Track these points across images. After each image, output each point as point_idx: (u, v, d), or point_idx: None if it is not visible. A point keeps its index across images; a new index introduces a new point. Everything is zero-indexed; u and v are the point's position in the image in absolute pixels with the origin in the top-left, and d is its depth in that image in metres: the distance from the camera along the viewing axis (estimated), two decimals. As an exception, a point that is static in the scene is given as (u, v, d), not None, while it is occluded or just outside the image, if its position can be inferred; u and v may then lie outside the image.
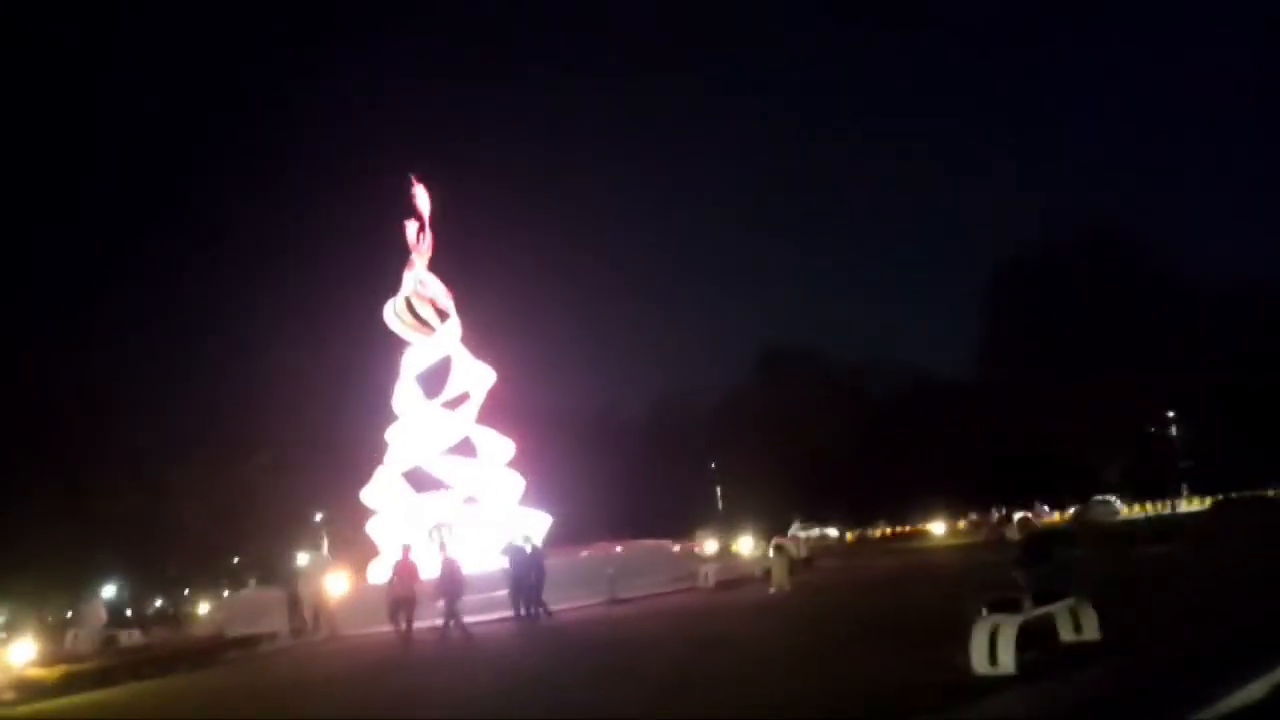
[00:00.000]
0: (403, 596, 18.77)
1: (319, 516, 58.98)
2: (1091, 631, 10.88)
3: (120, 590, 49.45)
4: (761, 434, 67.71)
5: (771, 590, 21.72)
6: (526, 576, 20.54)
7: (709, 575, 24.03)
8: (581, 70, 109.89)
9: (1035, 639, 10.26)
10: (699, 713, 9.20)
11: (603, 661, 13.54)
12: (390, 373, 31.29)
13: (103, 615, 25.53)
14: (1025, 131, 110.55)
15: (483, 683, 12.82)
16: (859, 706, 8.88)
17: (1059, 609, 10.87)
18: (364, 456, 46.93)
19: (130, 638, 24.52)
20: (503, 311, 31.35)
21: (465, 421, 30.04)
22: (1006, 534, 36.95)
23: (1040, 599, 10.73)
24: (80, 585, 43.32)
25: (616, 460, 60.89)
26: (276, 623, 23.32)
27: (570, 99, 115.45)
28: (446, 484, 29.66)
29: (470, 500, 29.47)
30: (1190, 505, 51.89)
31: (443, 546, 20.37)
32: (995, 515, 51.59)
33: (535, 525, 28.77)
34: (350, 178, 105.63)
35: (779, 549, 23.18)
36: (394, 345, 31.16)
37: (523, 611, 20.42)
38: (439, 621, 18.76)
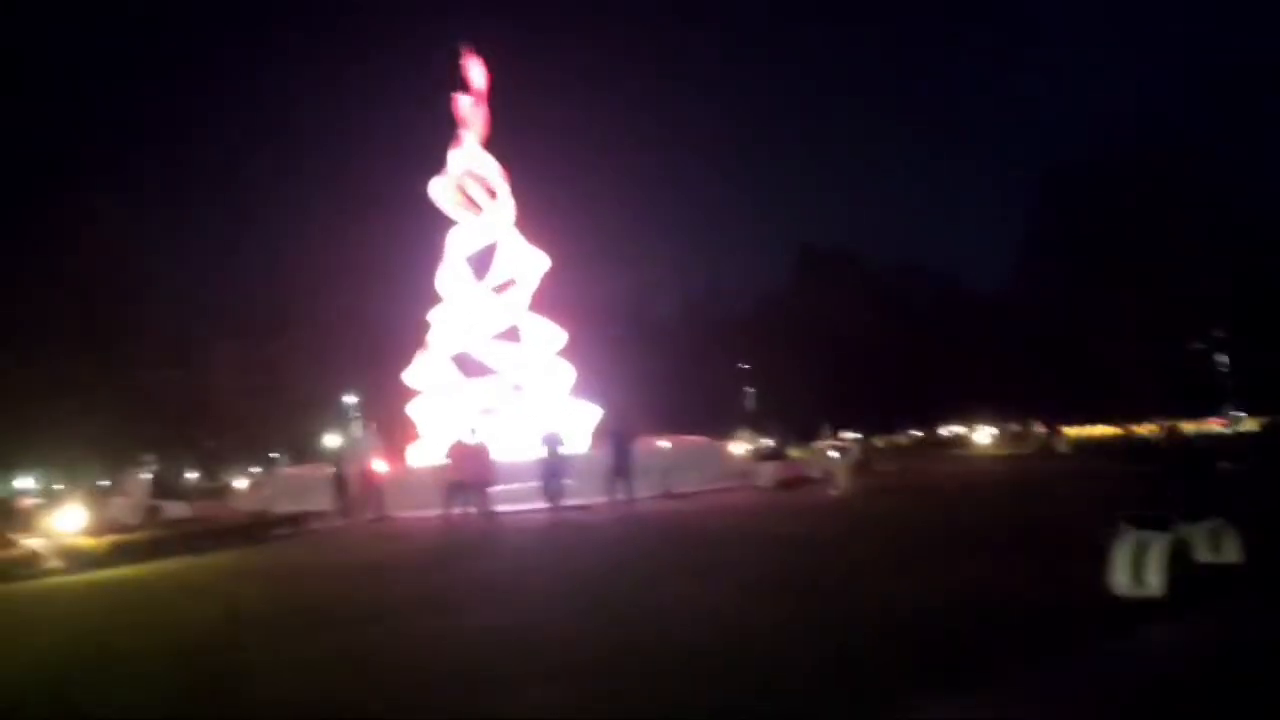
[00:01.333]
0: (460, 481, 18.17)
1: (352, 398, 58.91)
2: (1232, 553, 9.93)
3: (159, 462, 49.48)
4: (795, 335, 66.86)
5: (833, 492, 20.97)
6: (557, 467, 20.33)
7: (768, 474, 23.30)
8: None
9: (1173, 558, 9.34)
10: (796, 619, 8.33)
11: (685, 557, 12.76)
12: (435, 252, 30.28)
13: (148, 485, 25.00)
14: (1077, 42, 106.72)
15: (573, 567, 12.17)
16: (987, 626, 7.74)
17: (1204, 528, 9.93)
18: (403, 337, 46.46)
19: (175, 509, 24.05)
20: (544, 196, 30.06)
21: (515, 307, 29.07)
22: (1056, 445, 36.28)
23: (1192, 516, 9.82)
24: (119, 455, 43.16)
25: (650, 357, 60.11)
26: (323, 501, 22.79)
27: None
28: (493, 369, 28.82)
29: (518, 388, 28.68)
30: (1241, 426, 50.69)
31: (464, 434, 19.58)
32: (1039, 427, 50.69)
33: (586, 416, 28.10)
34: (397, 44, 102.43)
35: (843, 449, 22.37)
36: (440, 223, 30.07)
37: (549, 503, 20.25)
38: (469, 509, 18.26)
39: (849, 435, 31.99)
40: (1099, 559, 8.86)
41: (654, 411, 44.01)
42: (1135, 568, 8.88)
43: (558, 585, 11.01)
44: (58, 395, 42.47)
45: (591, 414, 28.14)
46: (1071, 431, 45.25)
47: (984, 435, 46.79)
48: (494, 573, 12.38)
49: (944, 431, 56.11)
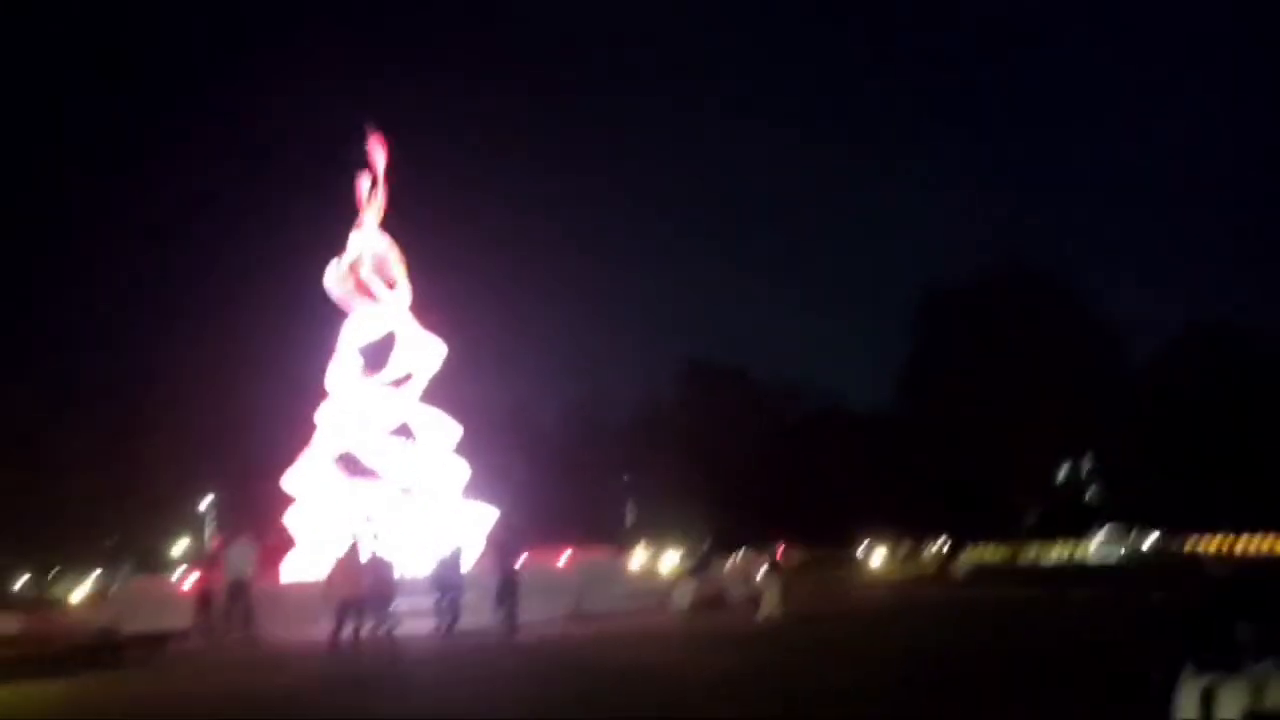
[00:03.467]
0: (351, 598, 15.55)
1: (208, 500, 54.47)
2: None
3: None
4: (679, 449, 65.43)
5: (760, 617, 19.00)
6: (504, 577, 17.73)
7: (686, 595, 21.16)
8: (519, 73, 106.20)
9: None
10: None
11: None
12: (320, 347, 27.75)
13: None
14: (964, 167, 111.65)
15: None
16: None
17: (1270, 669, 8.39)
18: (274, 439, 42.99)
19: (2, 623, 20.40)
20: (429, 287, 28.04)
21: (409, 402, 26.63)
22: (953, 570, 35.28)
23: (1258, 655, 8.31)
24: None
25: (529, 463, 57.58)
26: (180, 618, 19.60)
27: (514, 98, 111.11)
28: (380, 473, 26.17)
29: (407, 490, 26.06)
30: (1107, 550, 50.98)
31: (358, 544, 16.87)
32: (931, 548, 49.99)
33: (481, 520, 25.63)
34: (292, 128, 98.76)
35: (772, 569, 20.43)
36: (330, 316, 27.63)
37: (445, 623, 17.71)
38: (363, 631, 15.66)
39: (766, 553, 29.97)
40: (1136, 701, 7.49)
41: (537, 522, 41.55)
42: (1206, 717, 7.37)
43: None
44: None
45: (487, 516, 25.74)
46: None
47: (876, 556, 45.76)
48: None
49: (832, 552, 54.91)
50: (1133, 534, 50.42)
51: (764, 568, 20.40)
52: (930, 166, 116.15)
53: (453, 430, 26.77)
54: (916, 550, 51.67)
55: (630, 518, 66.14)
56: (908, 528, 53.00)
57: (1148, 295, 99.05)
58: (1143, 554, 43.85)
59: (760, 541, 27.31)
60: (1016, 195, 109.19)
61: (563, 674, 13.00)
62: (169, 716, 10.88)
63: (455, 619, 17.72)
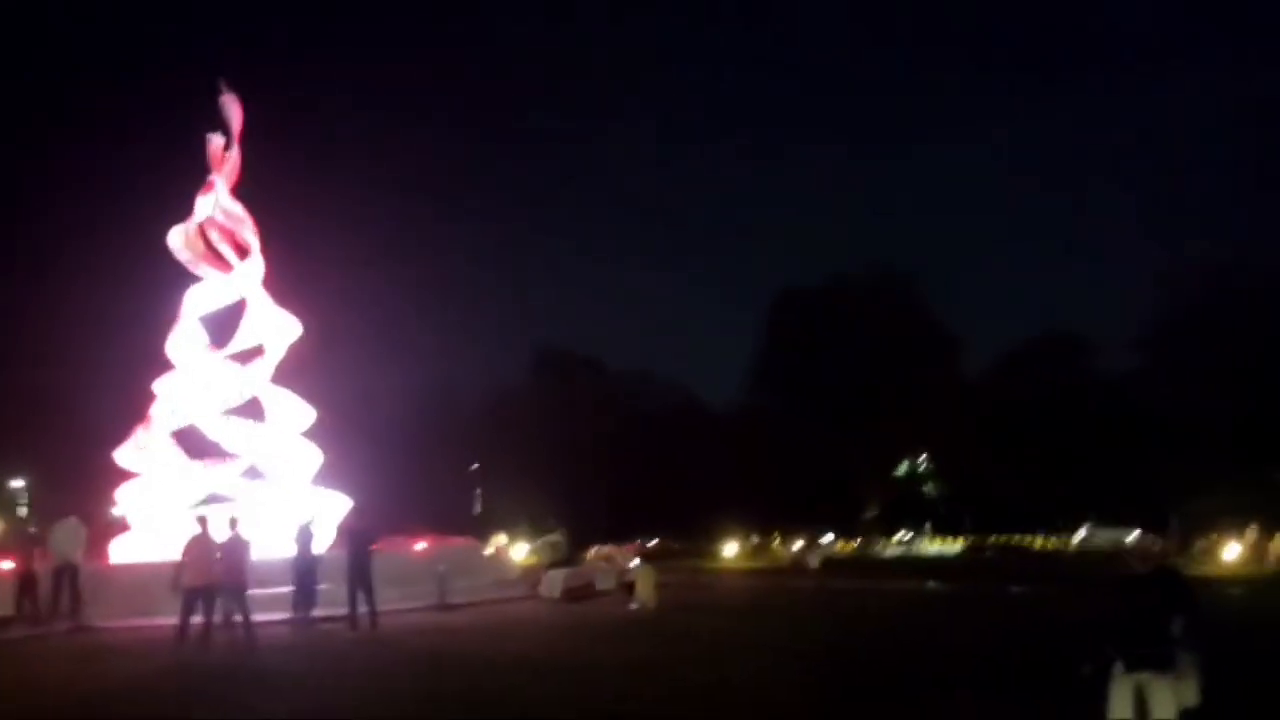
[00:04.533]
0: (202, 584, 14.12)
1: (20, 482, 50.40)
2: (1190, 696, 8.31)
3: None
4: (529, 437, 64.46)
5: (634, 606, 18.44)
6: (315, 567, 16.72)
7: (556, 584, 20.37)
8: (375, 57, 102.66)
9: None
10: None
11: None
12: (157, 316, 25.67)
13: None
14: (825, 173, 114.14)
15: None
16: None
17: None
18: (97, 416, 39.85)
19: None
20: (281, 268, 26.10)
21: (258, 379, 24.82)
22: (808, 561, 35.60)
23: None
24: None
25: (376, 451, 55.50)
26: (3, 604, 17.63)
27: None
28: (226, 451, 24.33)
29: (253, 473, 24.37)
30: (943, 545, 52.91)
31: (210, 526, 15.39)
32: (790, 541, 50.57)
33: (333, 508, 24.17)
34: (133, 83, 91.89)
35: (645, 560, 19.95)
36: (168, 282, 25.57)
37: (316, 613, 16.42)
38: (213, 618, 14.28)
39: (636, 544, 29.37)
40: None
41: (389, 510, 39.90)
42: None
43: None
44: None
45: (340, 505, 24.28)
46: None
47: (730, 548, 45.90)
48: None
49: (687, 544, 54.98)
50: (967, 529, 52.43)
51: (636, 558, 19.89)
52: (795, 172, 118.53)
53: (305, 414, 25.16)
54: (767, 542, 52.25)
55: (478, 506, 64.80)
56: (757, 520, 53.57)
57: (994, 306, 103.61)
58: (981, 548, 45.49)
59: (621, 533, 26.87)
60: (873, 203, 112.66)
61: (438, 668, 12.06)
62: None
63: (312, 608, 16.47)
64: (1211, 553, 34.09)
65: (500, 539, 34.11)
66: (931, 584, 23.95)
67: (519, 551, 42.88)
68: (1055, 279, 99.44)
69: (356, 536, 16.87)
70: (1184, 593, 8.45)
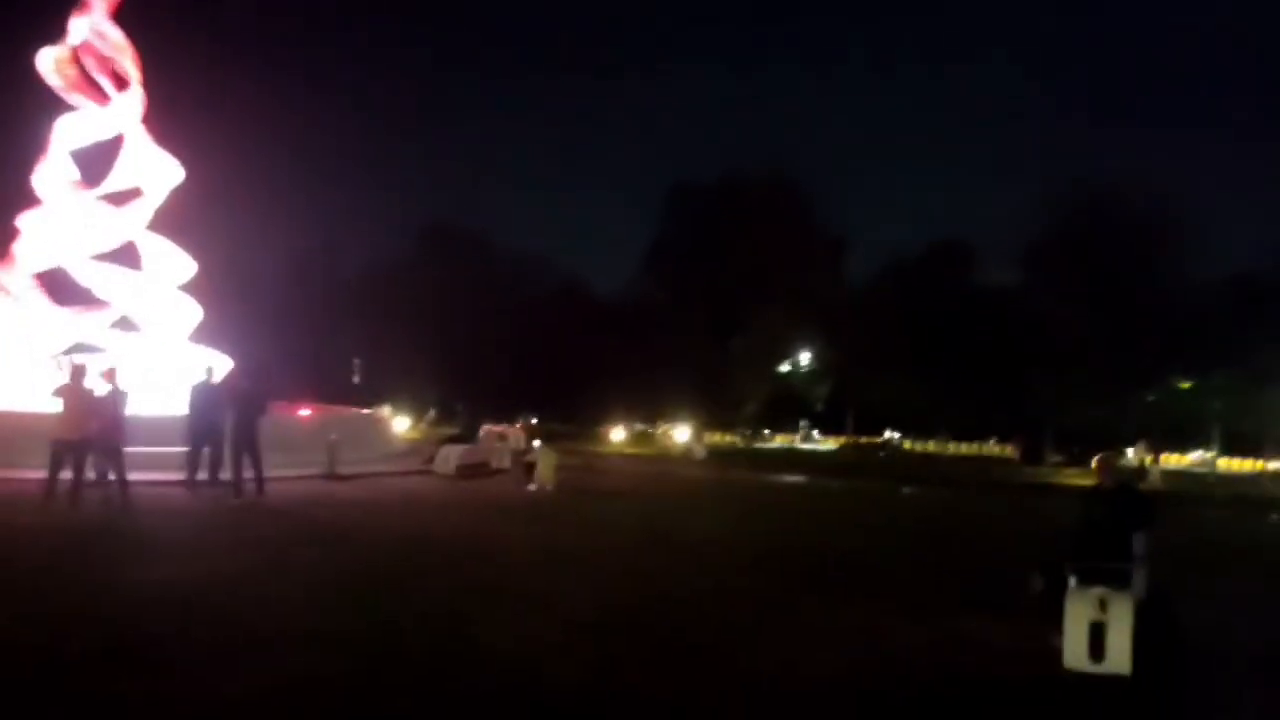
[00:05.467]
0: (73, 439, 12.75)
1: None
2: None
3: None
4: (412, 310, 62.68)
5: (531, 487, 17.78)
6: (214, 426, 14.96)
7: (452, 459, 19.48)
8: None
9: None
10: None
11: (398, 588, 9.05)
12: (32, 143, 23.18)
13: None
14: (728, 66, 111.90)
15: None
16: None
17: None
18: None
19: None
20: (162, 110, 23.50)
21: (134, 223, 22.75)
22: (695, 451, 35.64)
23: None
24: None
25: (251, 309, 52.87)
26: None
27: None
28: (96, 298, 22.38)
29: (126, 324, 22.54)
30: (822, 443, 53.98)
31: (82, 376, 13.84)
32: (666, 428, 50.58)
33: (213, 367, 22.62)
34: None
35: (545, 440, 19.23)
36: (44, 109, 23.05)
37: (203, 475, 14.94)
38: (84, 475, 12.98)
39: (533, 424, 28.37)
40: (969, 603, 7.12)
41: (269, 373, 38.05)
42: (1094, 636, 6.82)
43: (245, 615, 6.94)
44: None
45: (219, 364, 22.73)
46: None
47: (616, 434, 45.62)
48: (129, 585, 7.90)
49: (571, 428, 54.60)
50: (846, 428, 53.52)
51: (536, 440, 19.15)
52: (697, 64, 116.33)
53: (184, 266, 23.27)
54: (651, 430, 52.31)
55: (357, 376, 62.97)
56: (641, 408, 53.47)
57: (884, 216, 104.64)
58: (860, 447, 46.41)
59: (504, 413, 26.09)
60: (777, 103, 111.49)
61: (331, 540, 11.15)
62: None
63: (214, 472, 15.01)
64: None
65: (385, 410, 32.84)
66: (822, 480, 24.09)
67: (400, 424, 41.71)
68: (945, 192, 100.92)
69: (244, 398, 15.45)
70: (1146, 509, 8.14)
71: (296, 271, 65.00)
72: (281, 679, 5.44)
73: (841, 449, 47.40)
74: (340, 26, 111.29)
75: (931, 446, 49.97)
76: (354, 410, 25.43)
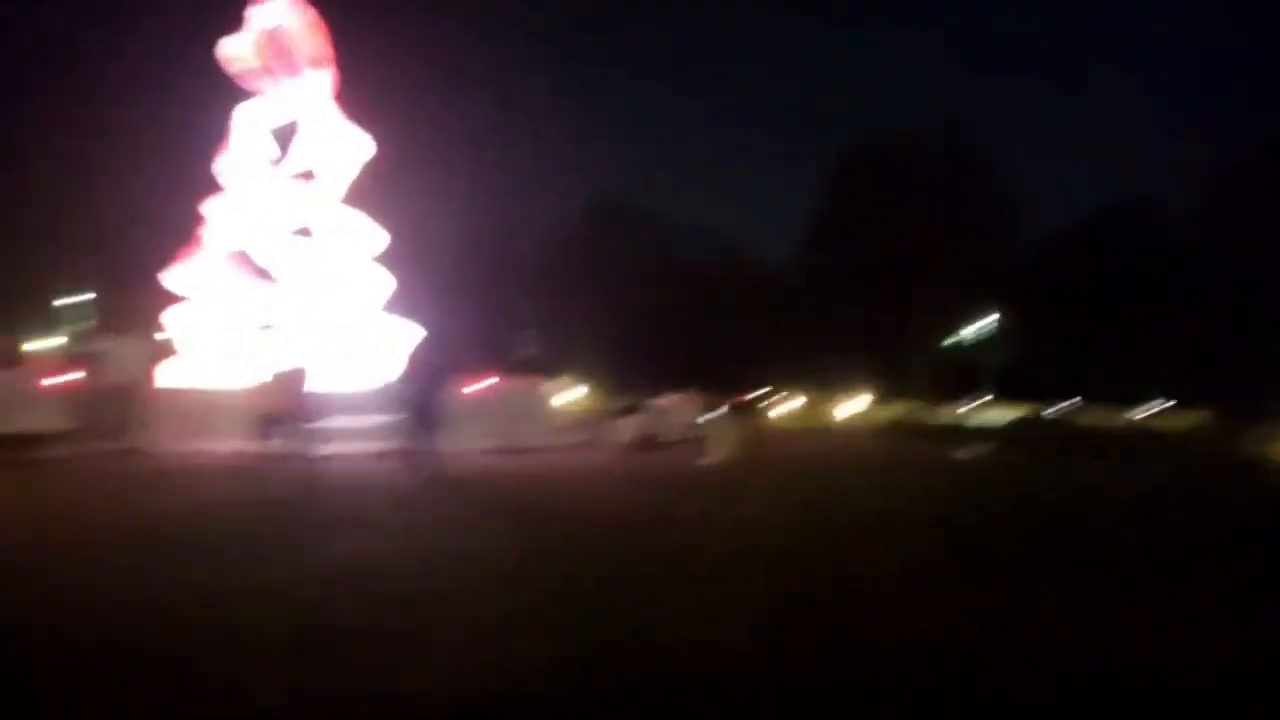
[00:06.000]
0: (271, 414, 12.98)
1: (85, 297, 49.92)
2: None
3: None
4: (581, 284, 63.18)
5: (709, 460, 17.23)
6: (431, 401, 14.23)
7: (625, 432, 19.19)
8: None
9: None
10: None
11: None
12: (212, 133, 24.07)
13: None
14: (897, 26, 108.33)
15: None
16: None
17: None
18: (147, 237, 38.77)
19: None
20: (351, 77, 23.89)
21: (327, 199, 23.29)
22: (868, 423, 34.47)
23: None
24: None
25: (431, 281, 54.12)
26: (53, 419, 16.74)
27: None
28: (284, 275, 23.05)
29: (319, 298, 23.16)
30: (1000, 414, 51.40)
31: (282, 351, 14.01)
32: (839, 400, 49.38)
33: (406, 338, 23.06)
34: None
35: (736, 411, 18.66)
36: (224, 97, 23.86)
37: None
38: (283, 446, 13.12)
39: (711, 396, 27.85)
40: None
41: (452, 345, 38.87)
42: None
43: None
44: None
45: (412, 336, 23.15)
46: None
47: (788, 405, 44.69)
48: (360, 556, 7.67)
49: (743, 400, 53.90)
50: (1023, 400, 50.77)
51: (714, 412, 18.61)
52: (863, 25, 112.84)
53: (376, 238, 23.72)
54: (818, 402, 51.07)
55: (530, 349, 63.98)
56: (806, 379, 52.30)
57: (1068, 172, 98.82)
58: (1037, 420, 43.95)
59: (681, 385, 25.64)
60: (947, 63, 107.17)
61: (525, 517, 10.86)
62: (48, 533, 8.34)
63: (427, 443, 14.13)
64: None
65: (558, 383, 32.94)
66: (1003, 454, 22.60)
67: (570, 397, 41.89)
68: (1120, 150, 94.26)
69: (429, 370, 15.03)
70: None
71: (472, 245, 66.50)
72: (474, 666, 5.03)
73: (1019, 420, 44.94)
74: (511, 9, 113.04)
75: (1119, 417, 46.86)
76: (530, 383, 25.44)
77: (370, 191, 25.06)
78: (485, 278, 62.37)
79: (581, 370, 59.80)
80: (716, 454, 17.39)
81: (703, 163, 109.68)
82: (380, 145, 23.84)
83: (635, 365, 55.66)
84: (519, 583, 7.19)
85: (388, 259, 24.32)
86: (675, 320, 57.55)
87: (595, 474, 15.36)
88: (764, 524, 10.62)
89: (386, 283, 23.33)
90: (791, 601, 6.77)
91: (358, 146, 23.23)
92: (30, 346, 45.83)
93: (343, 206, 23.37)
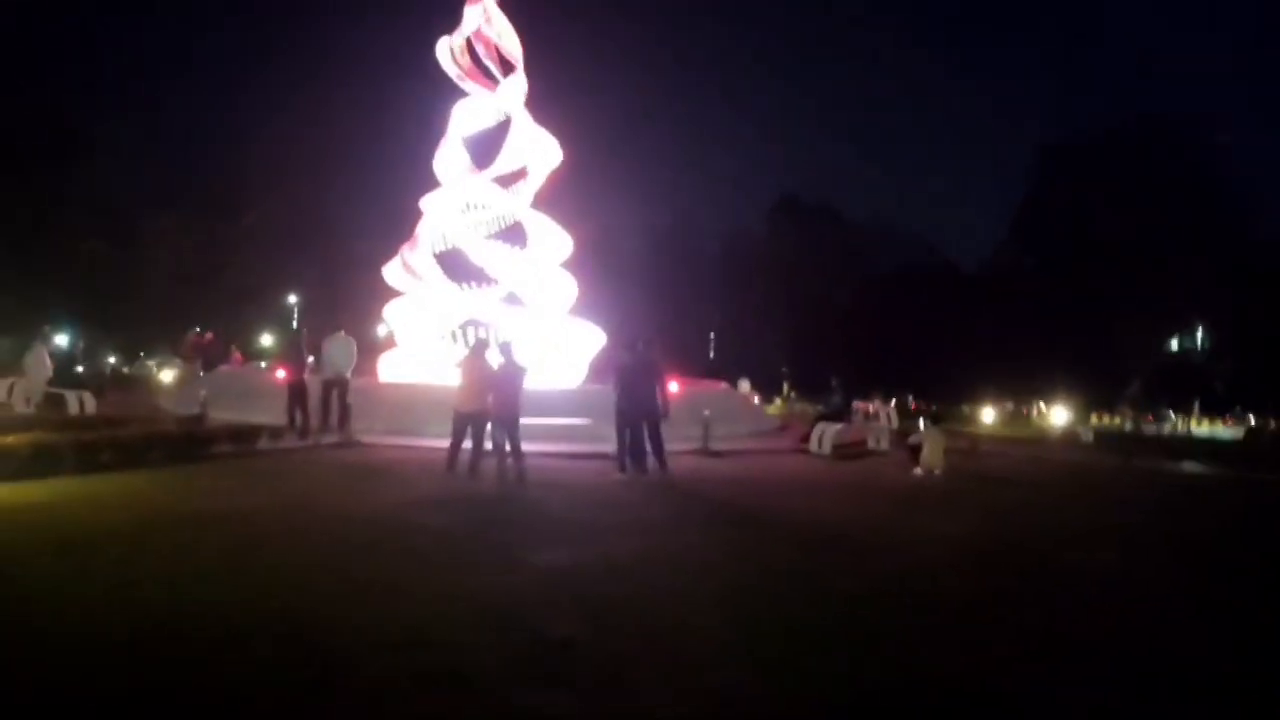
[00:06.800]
0: (472, 411, 12.87)
1: (293, 298, 52.67)
2: None
3: (72, 343, 43.03)
4: (765, 286, 62.22)
5: (918, 471, 16.13)
6: (645, 403, 13.64)
7: (829, 438, 18.30)
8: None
9: None
10: None
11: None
12: (428, 134, 24.60)
13: (48, 365, 19.07)
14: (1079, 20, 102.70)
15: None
16: None
17: None
18: (365, 239, 40.45)
19: (81, 403, 18.31)
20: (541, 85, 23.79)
21: (520, 203, 23.49)
22: (1080, 434, 32.13)
23: None
24: (29, 330, 36.58)
25: (616, 284, 54.47)
26: (271, 412, 17.35)
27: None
28: (487, 275, 23.31)
29: (512, 299, 23.34)
30: (1226, 427, 47.30)
31: (485, 349, 13.74)
32: (1041, 409, 46.54)
33: (589, 340, 22.98)
34: None
35: (934, 420, 17.60)
36: (438, 99, 24.32)
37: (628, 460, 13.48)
38: (485, 447, 12.96)
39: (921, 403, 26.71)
40: None
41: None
42: None
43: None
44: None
45: (595, 338, 23.03)
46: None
47: (989, 414, 42.34)
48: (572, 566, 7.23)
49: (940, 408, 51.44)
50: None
51: (924, 420, 17.50)
52: (1050, 16, 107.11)
53: (563, 242, 23.74)
54: (1023, 411, 48.22)
55: (713, 351, 63.62)
56: (1010, 386, 49.45)
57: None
58: (1272, 435, 40.01)
59: (874, 390, 24.47)
60: (1143, 46, 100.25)
61: (746, 528, 10.24)
62: (264, 520, 8.35)
63: (660, 460, 13.52)
64: None
65: (744, 385, 32.30)
66: (1235, 471, 20.38)
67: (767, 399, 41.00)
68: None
69: (640, 373, 14.38)
70: None
71: (654, 247, 66.71)
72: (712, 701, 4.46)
73: (1251, 435, 41.06)
74: (696, 13, 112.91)
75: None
76: (721, 385, 24.91)
77: (558, 194, 25.11)
78: (671, 277, 62.36)
79: (767, 371, 58.90)
80: (929, 464, 16.29)
81: (893, 161, 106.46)
82: (568, 149, 23.79)
83: (829, 368, 54.32)
84: (762, 606, 6.59)
85: (574, 260, 24.23)
86: (865, 322, 55.82)
87: (804, 481, 14.59)
88: (1012, 544, 9.65)
89: (571, 286, 23.24)
90: (1085, 634, 5.90)
91: (548, 152, 23.27)
92: (254, 342, 48.91)
93: (533, 211, 23.47)
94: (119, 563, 6.97)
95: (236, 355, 31.36)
